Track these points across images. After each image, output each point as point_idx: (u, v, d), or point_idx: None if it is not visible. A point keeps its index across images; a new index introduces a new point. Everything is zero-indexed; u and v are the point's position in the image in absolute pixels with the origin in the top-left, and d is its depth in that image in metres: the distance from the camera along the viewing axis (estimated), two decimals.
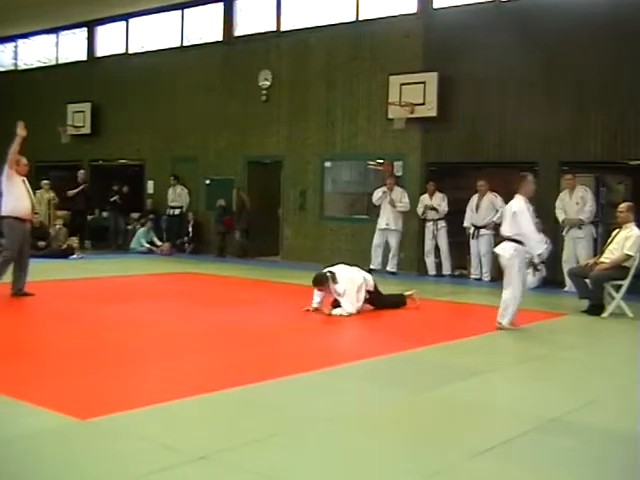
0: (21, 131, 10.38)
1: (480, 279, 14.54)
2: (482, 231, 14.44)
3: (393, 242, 15.38)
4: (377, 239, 15.45)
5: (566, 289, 12.37)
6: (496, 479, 4.33)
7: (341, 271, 10.04)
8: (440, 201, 15.08)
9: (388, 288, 12.32)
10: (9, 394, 5.57)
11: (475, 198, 14.57)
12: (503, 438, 4.99)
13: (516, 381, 6.83)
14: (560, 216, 13.21)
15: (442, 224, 15.10)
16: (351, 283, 9.98)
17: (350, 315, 9.72)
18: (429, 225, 15.20)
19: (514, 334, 8.96)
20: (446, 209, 15.04)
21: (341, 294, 9.89)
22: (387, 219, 15.28)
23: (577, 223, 13.00)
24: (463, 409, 5.81)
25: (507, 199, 14.23)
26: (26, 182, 10.91)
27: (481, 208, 14.49)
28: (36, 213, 14.63)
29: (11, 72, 25.43)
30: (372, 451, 4.71)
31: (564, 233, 13.22)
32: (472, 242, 14.61)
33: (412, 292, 10.84)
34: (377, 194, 15.42)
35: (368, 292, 10.16)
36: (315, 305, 10.02)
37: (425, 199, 15.23)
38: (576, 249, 13.00)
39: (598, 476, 4.48)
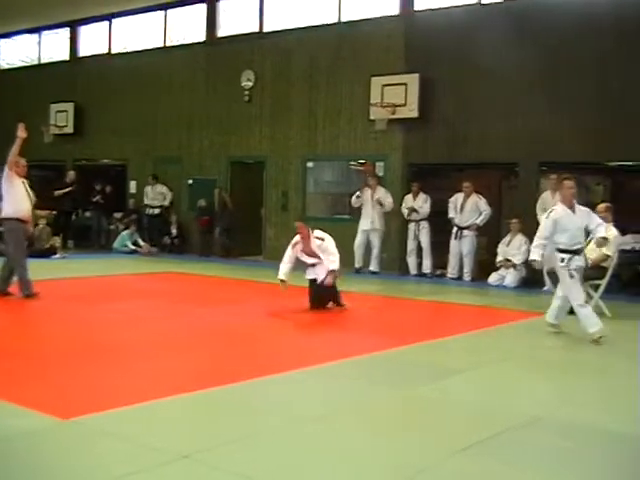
0: (21, 133, 10.32)
1: (460, 278, 14.57)
2: (465, 232, 14.46)
3: (376, 242, 15.40)
4: (359, 239, 15.45)
5: (546, 288, 12.41)
6: (479, 476, 4.33)
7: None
8: (422, 202, 15.08)
9: (369, 288, 12.37)
10: None
11: (460, 198, 14.58)
12: (485, 435, 5.00)
13: (498, 379, 6.84)
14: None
15: (424, 224, 15.10)
16: (332, 241, 10.41)
17: (334, 271, 10.10)
18: (411, 225, 15.19)
19: (494, 334, 8.97)
20: (428, 210, 15.03)
21: (323, 249, 10.24)
22: (372, 219, 15.28)
23: None
24: (445, 406, 5.82)
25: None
26: (25, 183, 10.85)
27: (465, 209, 14.51)
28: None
29: None
30: (353, 450, 4.71)
31: None
32: (453, 242, 14.63)
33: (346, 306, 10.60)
34: (354, 198, 15.49)
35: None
36: (282, 277, 10.28)
37: (409, 200, 15.23)
38: None
39: (579, 472, 4.50)
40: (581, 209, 8.68)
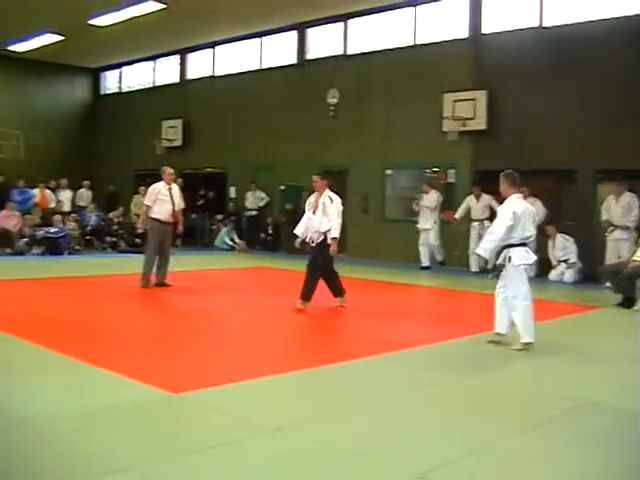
0: None
1: None
2: None
3: (432, 239, 15.37)
4: (421, 238, 15.50)
5: (607, 285, 12.11)
6: (538, 454, 4.32)
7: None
8: (487, 203, 14.89)
9: (434, 282, 12.26)
10: (110, 368, 5.75)
11: None
12: (543, 417, 4.97)
13: (555, 367, 6.75)
14: (603, 217, 12.95)
15: (487, 224, 14.87)
16: (337, 207, 9.18)
17: (335, 239, 9.04)
18: (475, 225, 15.02)
19: (550, 326, 8.83)
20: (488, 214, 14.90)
21: (325, 208, 9.13)
22: (428, 219, 15.28)
23: (622, 227, 12.67)
24: (505, 391, 5.80)
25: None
26: (172, 189, 11.16)
27: None
28: (137, 215, 14.96)
29: (116, 94, 26.06)
30: (427, 425, 4.76)
31: (607, 234, 12.94)
32: None
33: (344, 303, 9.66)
34: (414, 205, 15.63)
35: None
36: (298, 232, 9.35)
37: (470, 200, 15.09)
38: (619, 250, 12.63)
39: (633, 454, 4.44)
40: None
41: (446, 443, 4.40)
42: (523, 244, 7.27)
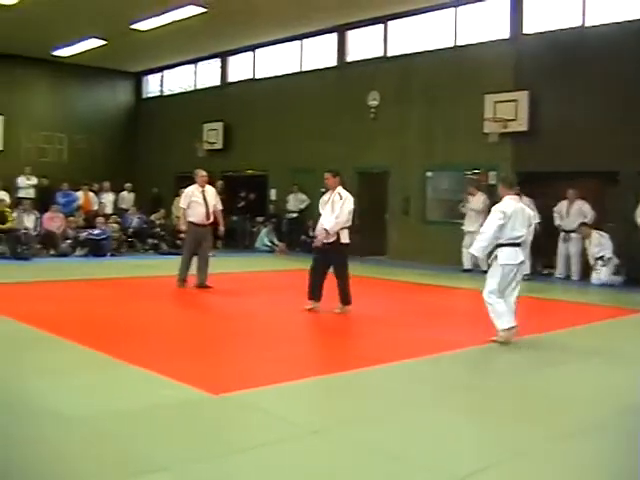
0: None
1: (568, 277, 14.18)
2: (572, 235, 14.07)
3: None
4: (466, 240, 15.19)
5: None
6: (588, 459, 4.25)
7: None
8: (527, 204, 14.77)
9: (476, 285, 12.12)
10: (151, 368, 5.81)
11: (564, 206, 14.24)
12: (590, 420, 4.89)
13: (598, 371, 6.65)
14: None
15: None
16: (347, 205, 8.97)
17: (322, 232, 8.89)
18: None
19: (593, 330, 8.70)
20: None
21: (334, 204, 8.97)
22: (475, 222, 15.05)
23: None
24: (551, 394, 5.72)
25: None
26: (206, 191, 11.25)
27: (570, 214, 14.15)
28: (177, 217, 15.06)
29: (158, 97, 26.31)
30: (467, 429, 4.72)
31: None
32: (561, 245, 14.29)
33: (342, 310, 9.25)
34: (461, 207, 15.46)
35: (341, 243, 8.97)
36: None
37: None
38: None
39: None
40: None
41: (487, 447, 4.36)
42: (513, 244, 7.40)
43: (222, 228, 11.74)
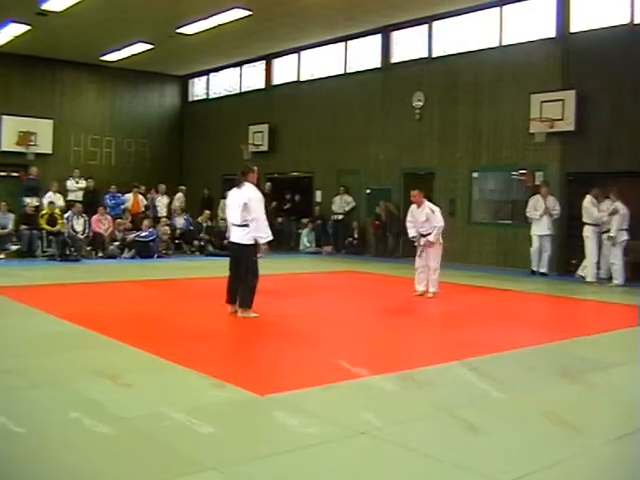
0: None
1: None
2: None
3: (548, 246, 14.83)
4: (536, 244, 14.91)
5: None
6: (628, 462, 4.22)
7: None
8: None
9: (532, 287, 11.99)
10: (197, 369, 5.91)
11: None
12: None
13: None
14: None
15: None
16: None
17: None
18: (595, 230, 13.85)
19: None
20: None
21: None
22: (547, 225, 14.80)
23: None
24: (600, 397, 5.68)
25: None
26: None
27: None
28: (223, 219, 15.15)
29: (204, 100, 26.58)
30: (516, 432, 4.69)
31: None
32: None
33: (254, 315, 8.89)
34: (532, 212, 14.92)
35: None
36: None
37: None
38: None
39: None
40: None
41: (535, 451, 4.34)
42: None
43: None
